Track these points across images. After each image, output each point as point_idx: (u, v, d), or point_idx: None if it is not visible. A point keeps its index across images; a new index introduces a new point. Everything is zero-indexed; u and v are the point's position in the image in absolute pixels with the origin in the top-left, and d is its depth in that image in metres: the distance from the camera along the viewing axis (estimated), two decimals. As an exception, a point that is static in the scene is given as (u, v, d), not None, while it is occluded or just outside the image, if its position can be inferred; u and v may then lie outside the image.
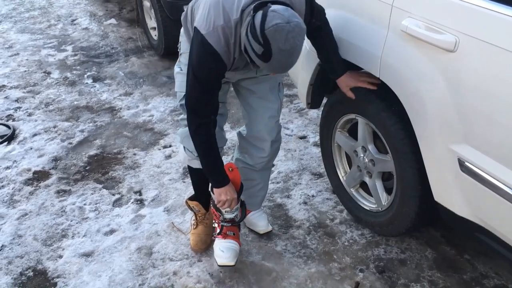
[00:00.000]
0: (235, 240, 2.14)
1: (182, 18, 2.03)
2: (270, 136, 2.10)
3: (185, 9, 3.72)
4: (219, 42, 1.69)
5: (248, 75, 2.02)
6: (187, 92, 1.83)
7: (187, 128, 1.92)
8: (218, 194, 1.97)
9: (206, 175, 2.00)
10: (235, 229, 2.16)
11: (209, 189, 2.08)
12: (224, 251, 2.09)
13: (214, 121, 1.87)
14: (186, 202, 2.29)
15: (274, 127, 2.11)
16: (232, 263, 2.09)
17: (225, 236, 2.13)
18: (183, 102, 1.92)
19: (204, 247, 2.25)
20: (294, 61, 1.62)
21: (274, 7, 1.58)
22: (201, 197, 2.25)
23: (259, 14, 1.58)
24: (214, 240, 2.17)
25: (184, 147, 2.08)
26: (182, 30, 2.05)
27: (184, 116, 2.04)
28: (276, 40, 1.53)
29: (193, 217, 2.33)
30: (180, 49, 2.08)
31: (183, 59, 2.02)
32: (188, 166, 2.19)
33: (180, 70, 2.06)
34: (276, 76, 2.08)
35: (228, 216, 2.08)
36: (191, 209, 2.30)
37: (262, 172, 2.24)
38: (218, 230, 2.15)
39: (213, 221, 2.21)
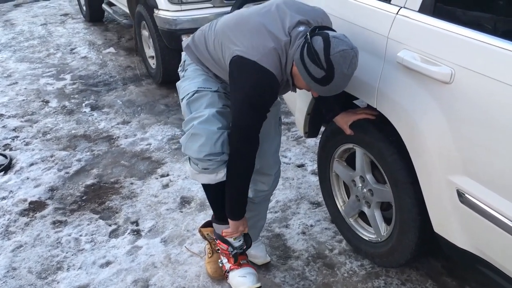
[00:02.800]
0: (251, 266, 2.12)
1: (187, 44, 2.01)
2: (274, 170, 2.11)
3: (183, 38, 3.77)
4: (275, 64, 1.71)
5: None
6: (239, 122, 1.78)
7: (188, 132, 1.84)
8: (237, 226, 1.97)
9: (231, 206, 1.94)
10: (245, 256, 2.14)
11: (213, 222, 2.07)
12: (246, 276, 2.07)
13: None
14: (200, 231, 2.26)
15: (278, 161, 2.13)
16: (259, 284, 2.07)
17: (240, 265, 2.10)
18: (187, 101, 1.88)
19: (222, 275, 2.21)
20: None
21: (332, 33, 1.64)
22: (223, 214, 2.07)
23: (319, 40, 1.61)
24: (228, 276, 2.12)
25: (189, 158, 1.90)
26: (183, 54, 2.04)
27: (190, 124, 1.85)
28: (341, 65, 1.60)
29: (208, 246, 2.30)
30: (181, 65, 2.03)
31: (187, 72, 1.98)
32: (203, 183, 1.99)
33: (183, 79, 2.01)
34: (278, 110, 2.10)
35: (237, 244, 2.06)
36: (205, 238, 2.26)
37: (261, 204, 2.23)
38: (231, 262, 2.10)
39: (220, 260, 2.15)
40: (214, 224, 2.09)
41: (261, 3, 1.91)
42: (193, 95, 1.89)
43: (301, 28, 1.73)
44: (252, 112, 1.76)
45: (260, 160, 2.03)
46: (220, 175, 1.86)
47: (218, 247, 2.13)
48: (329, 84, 1.64)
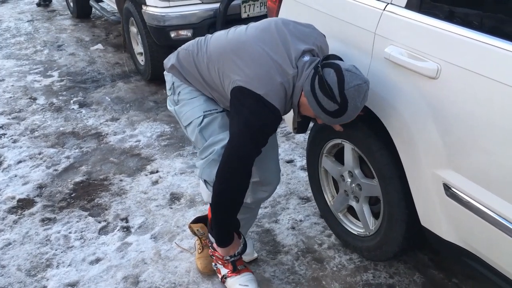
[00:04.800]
0: (249, 271, 2.12)
1: (172, 65, 1.93)
2: (276, 180, 2.10)
3: (172, 35, 3.69)
4: (280, 99, 1.67)
5: None
6: (235, 145, 1.72)
7: (207, 158, 1.82)
8: (227, 251, 1.98)
9: (218, 235, 1.92)
10: (242, 261, 2.14)
11: (208, 230, 2.07)
12: (248, 285, 2.06)
13: None
14: (190, 227, 2.26)
15: (279, 169, 2.12)
16: None
17: (239, 271, 2.09)
18: (199, 128, 1.84)
19: (212, 270, 2.21)
20: None
21: (342, 64, 1.61)
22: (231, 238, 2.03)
23: (331, 73, 1.59)
24: (226, 281, 2.11)
25: (205, 181, 1.89)
26: (169, 75, 1.97)
27: (210, 150, 1.85)
28: (354, 100, 1.59)
29: (197, 242, 2.30)
30: (171, 89, 1.97)
31: (181, 95, 1.92)
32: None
33: (176, 105, 1.97)
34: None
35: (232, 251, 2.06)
36: (195, 233, 2.27)
37: (257, 208, 2.24)
38: (229, 269, 2.09)
39: (215, 264, 2.15)
40: (210, 235, 2.07)
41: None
42: (202, 120, 1.85)
43: (306, 58, 1.70)
44: (251, 144, 1.70)
45: (261, 171, 1.99)
46: None
47: (213, 255, 2.13)
48: (341, 116, 1.64)
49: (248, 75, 1.65)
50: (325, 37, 1.88)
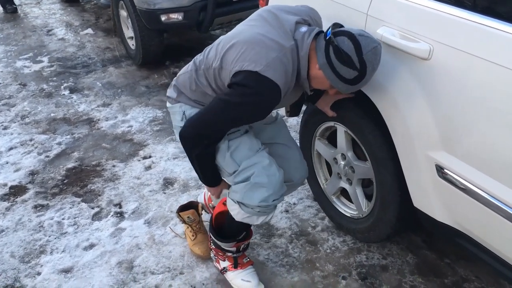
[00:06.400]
0: (251, 263, 2.13)
1: (176, 92, 1.86)
2: (305, 175, 2.04)
3: (162, 18, 3.60)
4: (279, 75, 1.59)
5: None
6: (207, 117, 1.69)
7: (249, 182, 1.76)
8: (214, 191, 1.97)
9: (202, 177, 1.92)
10: (245, 255, 2.14)
11: (209, 228, 2.08)
12: (250, 280, 2.07)
13: None
14: (179, 215, 2.26)
15: (305, 163, 2.04)
16: (263, 287, 2.09)
17: (243, 265, 2.09)
18: (229, 153, 1.79)
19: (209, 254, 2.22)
20: None
21: (354, 30, 1.59)
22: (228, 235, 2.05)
23: (345, 40, 1.56)
24: (226, 273, 2.12)
25: (240, 203, 1.81)
26: (176, 106, 1.86)
27: (247, 174, 1.77)
28: (372, 63, 1.58)
29: (189, 229, 2.30)
30: (183, 119, 1.83)
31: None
32: (229, 216, 1.90)
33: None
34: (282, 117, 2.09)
35: (233, 248, 2.06)
36: (185, 222, 2.27)
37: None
38: (231, 263, 2.09)
39: (216, 261, 2.16)
40: (213, 239, 2.07)
41: None
42: (228, 144, 1.79)
43: (304, 29, 1.66)
44: (236, 113, 1.65)
45: (287, 173, 1.90)
46: (271, 215, 1.86)
47: (214, 255, 2.14)
48: (360, 82, 1.62)
49: (245, 59, 1.60)
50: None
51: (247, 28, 1.72)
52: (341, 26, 1.69)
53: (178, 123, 1.86)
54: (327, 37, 1.60)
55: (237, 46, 1.64)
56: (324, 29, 1.72)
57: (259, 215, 1.82)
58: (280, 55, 1.60)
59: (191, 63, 1.87)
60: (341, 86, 1.65)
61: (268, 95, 1.61)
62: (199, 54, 1.86)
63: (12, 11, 5.96)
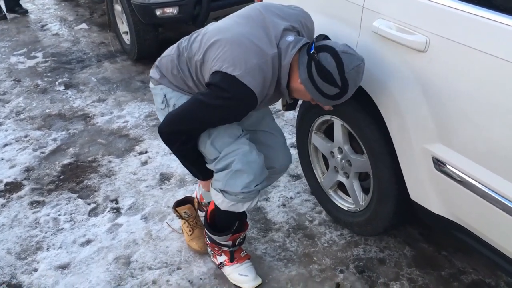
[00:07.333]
0: (248, 257, 2.13)
1: (162, 75, 1.85)
2: (288, 162, 2.08)
3: (157, 13, 3.59)
4: (257, 82, 1.59)
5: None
6: (182, 114, 1.70)
7: (230, 170, 1.76)
8: (205, 183, 1.96)
9: (192, 172, 1.95)
10: (241, 248, 2.14)
11: (204, 223, 2.07)
12: (248, 274, 2.07)
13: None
14: (175, 210, 2.25)
15: (289, 153, 2.09)
16: (261, 281, 2.09)
17: (239, 259, 2.09)
18: (210, 140, 1.78)
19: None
20: None
21: (337, 46, 1.57)
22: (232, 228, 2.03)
23: (328, 57, 1.55)
24: (223, 268, 2.12)
25: (223, 191, 1.81)
26: (157, 88, 1.87)
27: (227, 161, 1.78)
28: (355, 80, 1.59)
29: (185, 224, 2.29)
30: (163, 102, 1.86)
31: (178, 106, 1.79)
32: (216, 207, 1.91)
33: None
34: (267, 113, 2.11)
35: (229, 242, 2.05)
36: (181, 217, 2.26)
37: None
38: (227, 258, 2.09)
39: (213, 256, 2.16)
40: (208, 234, 2.07)
41: None
42: (210, 132, 1.79)
43: (290, 38, 1.64)
44: (214, 115, 1.67)
45: (272, 160, 1.97)
46: (256, 200, 1.86)
47: (211, 250, 2.14)
48: (341, 98, 1.62)
49: (225, 60, 1.60)
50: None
51: (233, 25, 1.70)
52: (327, 37, 1.68)
53: (159, 105, 1.89)
54: (311, 52, 1.59)
55: (220, 44, 1.64)
56: (317, 33, 1.72)
57: (243, 202, 1.82)
58: (260, 62, 1.59)
59: (174, 46, 1.86)
60: (323, 100, 1.66)
61: (243, 101, 1.63)
62: (183, 39, 1.85)
63: (2, 18, 5.68)
